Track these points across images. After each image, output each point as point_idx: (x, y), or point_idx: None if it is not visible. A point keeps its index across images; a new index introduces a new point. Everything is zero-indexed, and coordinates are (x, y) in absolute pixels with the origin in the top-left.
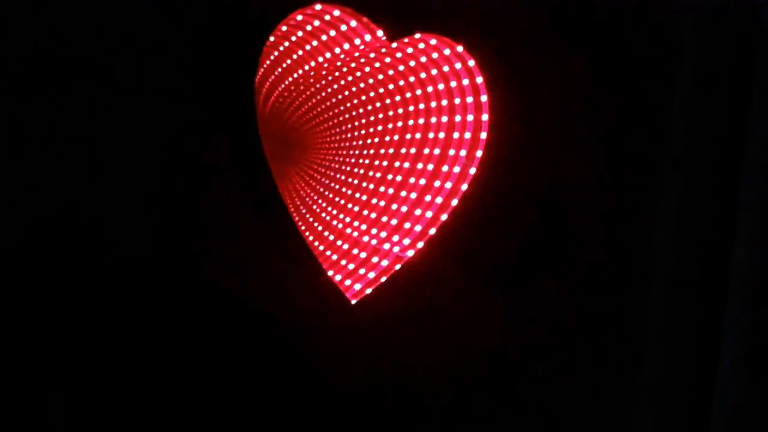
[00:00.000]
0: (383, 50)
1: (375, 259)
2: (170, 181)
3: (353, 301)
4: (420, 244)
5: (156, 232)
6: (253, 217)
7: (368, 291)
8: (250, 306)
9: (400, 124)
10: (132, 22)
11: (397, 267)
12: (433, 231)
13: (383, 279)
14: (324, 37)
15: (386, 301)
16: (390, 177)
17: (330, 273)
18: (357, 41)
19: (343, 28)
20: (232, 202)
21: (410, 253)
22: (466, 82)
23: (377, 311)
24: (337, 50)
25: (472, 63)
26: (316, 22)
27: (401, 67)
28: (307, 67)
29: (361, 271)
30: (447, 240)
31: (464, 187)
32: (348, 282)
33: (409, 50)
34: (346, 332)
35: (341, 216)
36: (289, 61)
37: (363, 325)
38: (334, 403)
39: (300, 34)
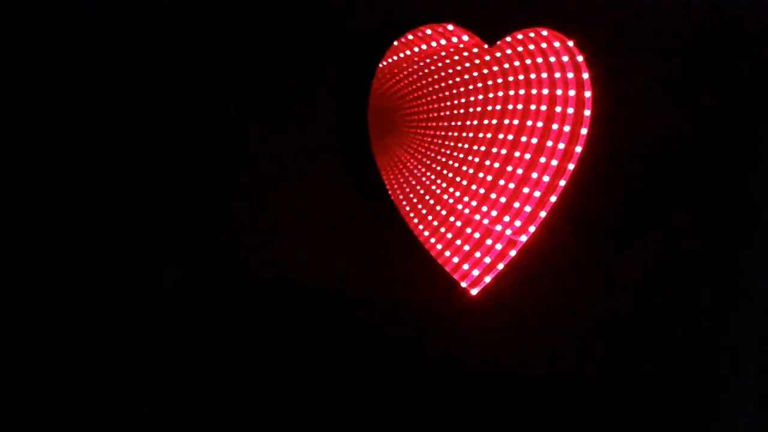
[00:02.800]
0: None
1: (489, 242)
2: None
3: (473, 291)
4: (532, 228)
5: (265, 226)
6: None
7: (487, 279)
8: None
9: (501, 93)
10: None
11: (512, 253)
12: (543, 214)
13: (500, 266)
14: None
15: (508, 292)
16: (495, 150)
17: (447, 254)
18: (465, 38)
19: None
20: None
21: (523, 238)
22: (566, 58)
23: (500, 303)
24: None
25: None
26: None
27: (508, 51)
28: (420, 57)
29: (477, 254)
30: (559, 223)
31: (570, 166)
32: (466, 266)
33: (519, 36)
34: (470, 324)
35: (451, 189)
36: (408, 51)
37: (486, 318)
38: (461, 392)
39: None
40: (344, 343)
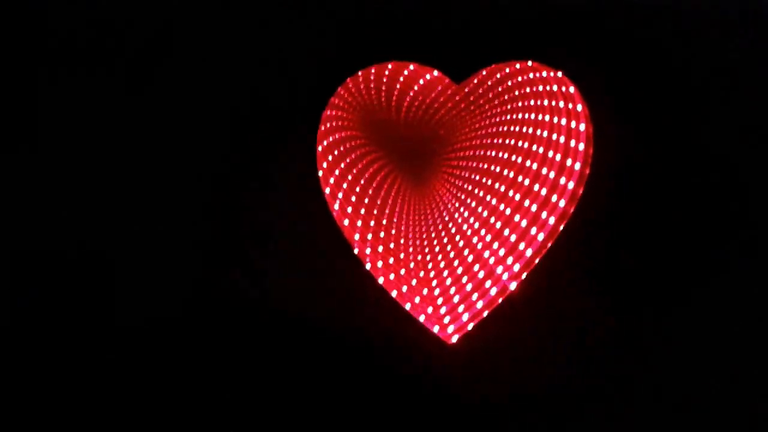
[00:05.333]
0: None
1: (488, 284)
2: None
3: (453, 339)
4: (524, 275)
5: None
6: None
7: (470, 326)
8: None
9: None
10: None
11: (500, 301)
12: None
13: (485, 313)
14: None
15: (484, 339)
16: (520, 179)
17: (453, 291)
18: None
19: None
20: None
21: (513, 286)
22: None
23: (476, 348)
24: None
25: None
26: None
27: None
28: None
29: (474, 296)
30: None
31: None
32: (461, 308)
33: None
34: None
35: (471, 220)
36: (416, 87)
37: (461, 362)
38: None
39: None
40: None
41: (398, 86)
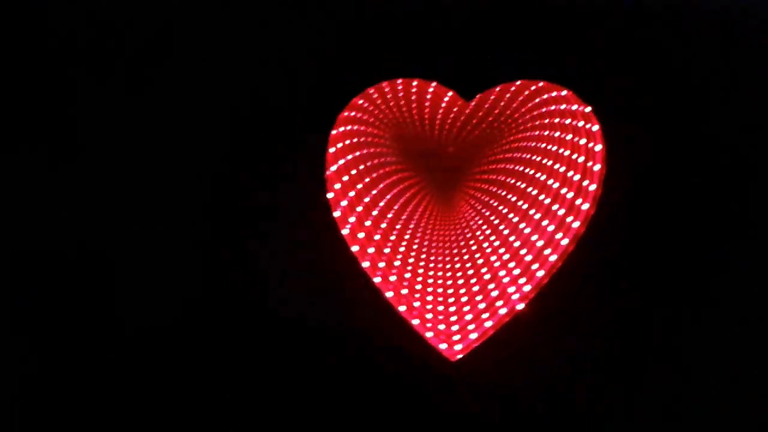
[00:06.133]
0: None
1: (499, 303)
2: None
3: (458, 356)
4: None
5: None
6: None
7: (476, 345)
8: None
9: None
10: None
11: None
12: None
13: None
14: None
15: (488, 359)
16: (542, 197)
17: (466, 309)
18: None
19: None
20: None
21: (520, 306)
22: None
23: (479, 366)
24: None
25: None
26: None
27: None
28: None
29: (485, 315)
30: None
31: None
32: (472, 326)
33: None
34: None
35: (492, 238)
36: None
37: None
38: None
39: None
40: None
41: (427, 103)
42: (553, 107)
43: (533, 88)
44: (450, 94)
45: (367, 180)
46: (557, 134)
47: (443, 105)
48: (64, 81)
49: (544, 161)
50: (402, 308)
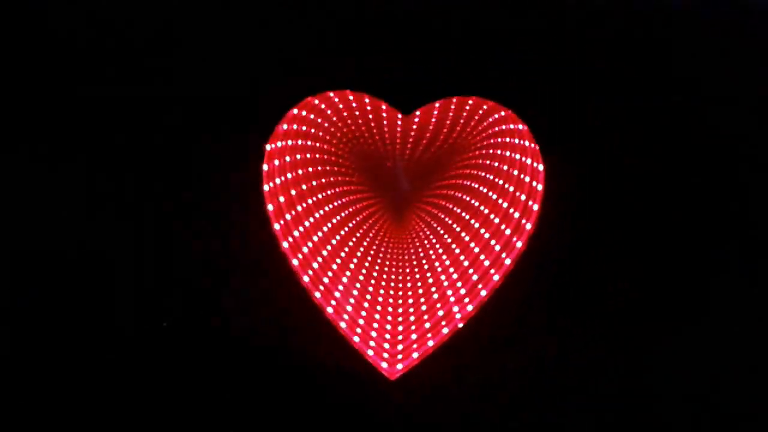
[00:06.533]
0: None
1: (443, 323)
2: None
3: (397, 375)
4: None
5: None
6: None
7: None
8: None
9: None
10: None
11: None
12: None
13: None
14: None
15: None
16: (492, 216)
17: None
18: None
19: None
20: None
21: (461, 325)
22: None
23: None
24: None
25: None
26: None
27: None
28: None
29: (429, 335)
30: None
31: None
32: (415, 346)
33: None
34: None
35: (444, 257)
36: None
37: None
38: None
39: None
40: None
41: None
42: (500, 127)
43: (480, 111)
44: (384, 106)
45: (319, 196)
46: (507, 154)
47: (384, 119)
48: (64, 81)
49: (496, 180)
50: (343, 324)
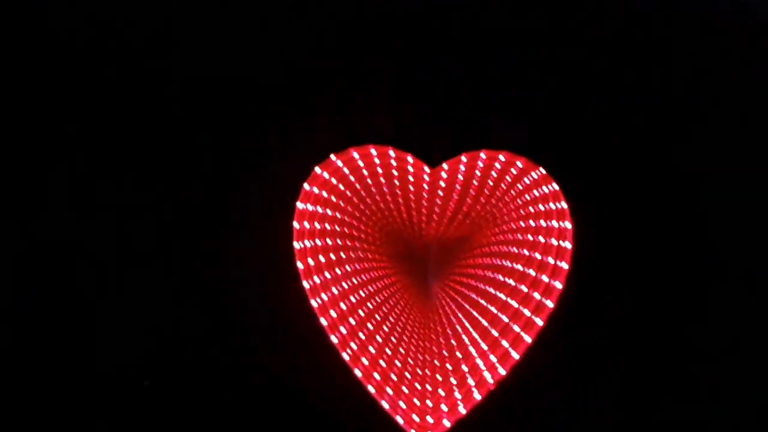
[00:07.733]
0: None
1: (475, 391)
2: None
3: None
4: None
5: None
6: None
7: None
8: None
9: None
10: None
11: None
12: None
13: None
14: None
15: None
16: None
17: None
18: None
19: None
20: None
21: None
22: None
23: None
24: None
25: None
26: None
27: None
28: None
29: (460, 405)
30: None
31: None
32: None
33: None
34: None
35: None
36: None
37: None
38: None
39: None
40: None
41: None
42: (531, 194)
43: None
44: (410, 158)
45: (347, 267)
46: (542, 223)
47: (409, 173)
48: (64, 81)
49: (524, 251)
50: (371, 389)
